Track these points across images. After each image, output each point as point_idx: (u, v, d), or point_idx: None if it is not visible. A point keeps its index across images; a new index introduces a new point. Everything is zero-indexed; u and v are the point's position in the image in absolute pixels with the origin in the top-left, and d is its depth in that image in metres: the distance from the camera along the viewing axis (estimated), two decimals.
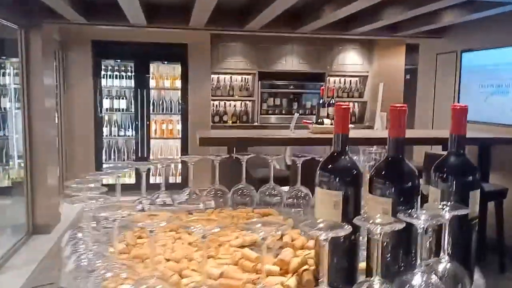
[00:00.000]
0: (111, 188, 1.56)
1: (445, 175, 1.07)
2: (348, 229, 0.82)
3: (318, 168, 1.06)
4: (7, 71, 5.31)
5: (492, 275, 3.93)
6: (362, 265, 1.08)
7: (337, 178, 1.02)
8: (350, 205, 1.02)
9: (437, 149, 4.56)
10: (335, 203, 1.01)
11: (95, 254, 1.04)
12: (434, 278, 0.92)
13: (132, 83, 6.95)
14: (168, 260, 1.17)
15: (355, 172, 1.03)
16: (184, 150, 7.11)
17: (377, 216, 0.87)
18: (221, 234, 1.34)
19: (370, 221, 0.86)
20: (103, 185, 1.27)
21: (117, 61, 6.96)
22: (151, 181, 6.78)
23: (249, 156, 1.73)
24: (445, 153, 1.13)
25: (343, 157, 1.05)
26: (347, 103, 1.06)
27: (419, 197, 1.01)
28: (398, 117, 0.98)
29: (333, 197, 1.01)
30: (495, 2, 4.13)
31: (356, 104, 8.02)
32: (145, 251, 1.21)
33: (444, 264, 1.00)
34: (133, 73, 6.96)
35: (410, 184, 1.00)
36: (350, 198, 1.02)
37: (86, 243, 1.09)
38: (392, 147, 1.00)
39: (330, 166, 1.04)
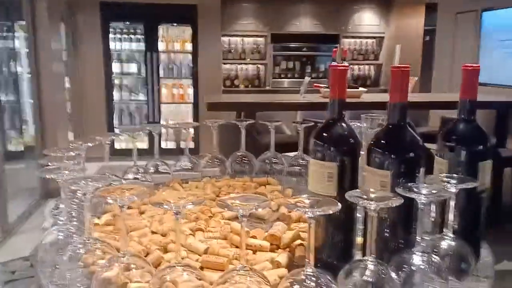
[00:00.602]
0: (126, 152, 1.51)
1: (452, 144, 0.97)
2: (337, 206, 0.74)
3: (311, 137, 0.96)
4: (17, 34, 5.22)
5: (507, 243, 3.84)
6: (360, 240, 1.00)
7: (332, 148, 0.93)
8: (346, 178, 0.93)
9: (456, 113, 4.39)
10: (329, 175, 0.92)
11: (73, 226, 0.98)
12: (434, 257, 0.84)
13: (141, 46, 6.82)
14: (154, 233, 1.11)
15: (352, 141, 0.94)
16: (196, 115, 7.03)
17: (372, 191, 0.79)
18: (213, 205, 1.28)
19: (364, 197, 0.77)
20: (117, 150, 1.23)
21: (126, 23, 6.82)
22: (163, 145, 6.77)
23: (248, 122, 1.65)
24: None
25: (339, 124, 0.95)
26: (345, 65, 0.95)
27: (422, 169, 0.91)
28: (400, 79, 0.88)
29: (327, 168, 0.92)
30: None
31: (371, 66, 7.78)
32: (132, 223, 1.15)
33: (448, 241, 0.92)
34: (142, 36, 6.81)
35: (412, 154, 0.90)
36: (346, 170, 0.93)
37: (66, 214, 1.04)
38: (393, 114, 0.90)
39: (324, 134, 0.95)
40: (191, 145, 7.14)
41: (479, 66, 0.94)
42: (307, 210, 0.71)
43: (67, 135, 5.72)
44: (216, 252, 0.96)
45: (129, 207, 1.29)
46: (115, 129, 6.88)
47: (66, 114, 5.73)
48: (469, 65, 0.94)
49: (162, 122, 7.04)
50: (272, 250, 1.03)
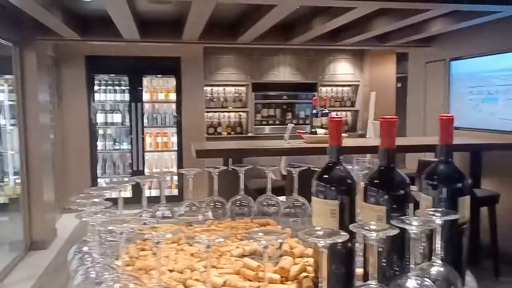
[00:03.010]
0: (109, 201, 1.61)
1: (435, 183, 1.13)
2: (345, 236, 0.87)
3: (314, 179, 1.10)
4: (2, 88, 5.34)
5: (487, 279, 3.98)
6: (360, 271, 1.13)
7: (333, 188, 1.07)
8: (346, 213, 1.06)
9: (430, 156, 4.63)
10: (331, 211, 1.06)
11: (102, 266, 1.08)
12: (427, 281, 0.97)
13: (126, 97, 7.00)
14: (171, 271, 1.21)
15: (349, 181, 1.08)
16: (180, 163, 7.14)
17: (372, 223, 0.92)
18: (221, 245, 1.38)
19: (365, 228, 0.91)
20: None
21: (111, 76, 7.01)
22: (147, 194, 6.79)
23: (247, 167, 1.78)
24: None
25: (338, 167, 1.10)
26: (340, 116, 1.11)
27: (411, 204, 1.06)
28: (388, 128, 1.04)
29: (330, 206, 1.06)
30: (479, 11, 4.24)
31: (348, 113, 8.11)
32: (149, 263, 1.25)
33: (437, 267, 1.05)
34: (127, 87, 7.00)
35: (402, 192, 1.05)
36: (345, 207, 1.06)
37: (92, 256, 1.13)
38: (384, 157, 1.06)
39: (325, 176, 1.09)
40: (175, 192, 7.20)
41: (453, 116, 1.11)
42: (320, 239, 0.83)
43: (52, 185, 5.72)
44: (233, 285, 1.07)
45: (142, 249, 1.39)
46: (98, 179, 6.92)
47: (51, 165, 5.75)
48: (444, 114, 1.11)
49: (146, 170, 7.11)
50: (281, 282, 1.13)
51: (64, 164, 6.63)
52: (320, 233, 0.86)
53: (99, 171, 6.99)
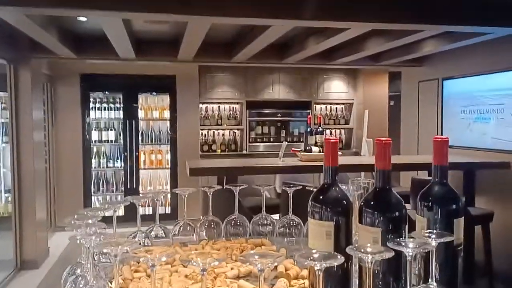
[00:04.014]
0: (103, 220, 1.59)
1: (430, 204, 1.13)
2: (341, 259, 0.86)
3: (310, 199, 1.10)
4: None
5: None
6: None
7: (329, 209, 1.07)
8: (342, 235, 1.06)
9: (424, 174, 4.64)
10: (327, 233, 1.06)
11: None
12: None
13: (120, 114, 7.00)
14: None
15: (345, 203, 1.08)
16: (174, 180, 7.11)
17: (368, 245, 0.92)
18: (216, 266, 1.37)
19: (362, 250, 0.90)
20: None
21: (105, 93, 7.02)
22: (141, 212, 6.74)
23: (242, 187, 1.78)
24: (431, 178, 1.19)
25: (333, 188, 1.10)
26: (336, 138, 1.12)
27: (407, 226, 1.06)
28: (383, 150, 1.05)
29: (325, 227, 1.06)
30: (471, 32, 4.31)
31: (342, 130, 8.15)
32: (143, 285, 1.23)
33: None
34: (121, 105, 7.01)
35: (397, 214, 1.05)
36: (341, 228, 1.06)
37: (85, 278, 1.12)
38: (380, 179, 1.06)
39: (321, 197, 1.09)
40: (168, 210, 7.15)
41: (447, 138, 1.12)
42: (316, 263, 0.83)
43: (45, 204, 5.66)
44: None
45: (136, 271, 1.37)
46: (92, 196, 6.86)
47: (44, 183, 5.70)
48: (439, 137, 1.12)
49: (140, 187, 7.07)
50: None
51: (58, 181, 6.58)
52: (316, 255, 0.85)
53: (92, 189, 6.94)
